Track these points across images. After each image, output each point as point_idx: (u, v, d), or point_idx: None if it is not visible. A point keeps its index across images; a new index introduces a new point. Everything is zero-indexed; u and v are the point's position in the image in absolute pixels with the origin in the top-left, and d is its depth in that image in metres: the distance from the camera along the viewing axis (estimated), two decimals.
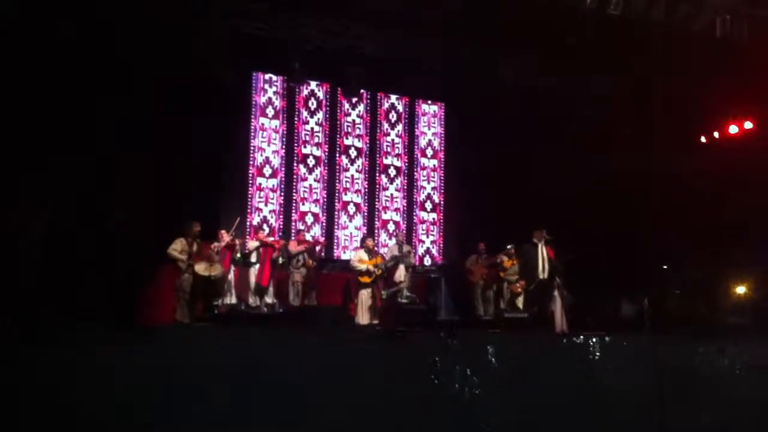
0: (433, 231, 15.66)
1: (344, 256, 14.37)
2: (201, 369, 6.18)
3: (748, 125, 14.35)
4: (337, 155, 15.05)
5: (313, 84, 14.91)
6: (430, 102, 16.03)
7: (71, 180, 11.14)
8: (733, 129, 14.56)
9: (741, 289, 12.94)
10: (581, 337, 6.12)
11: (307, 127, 14.86)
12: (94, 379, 5.82)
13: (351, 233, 14.87)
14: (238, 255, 12.14)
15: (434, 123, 16.03)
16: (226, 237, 11.93)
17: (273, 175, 14.42)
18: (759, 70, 12.50)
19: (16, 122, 10.66)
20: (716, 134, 14.91)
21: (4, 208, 10.51)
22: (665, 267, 12.27)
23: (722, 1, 12.01)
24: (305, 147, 14.78)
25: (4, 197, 10.52)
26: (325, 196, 14.82)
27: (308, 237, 13.55)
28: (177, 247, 11.07)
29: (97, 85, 11.38)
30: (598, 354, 6.05)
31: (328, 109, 15.07)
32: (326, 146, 14.97)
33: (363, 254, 12.31)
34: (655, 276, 12.53)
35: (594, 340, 6.07)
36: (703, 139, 15.08)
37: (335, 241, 14.78)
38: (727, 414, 6.01)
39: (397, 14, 12.74)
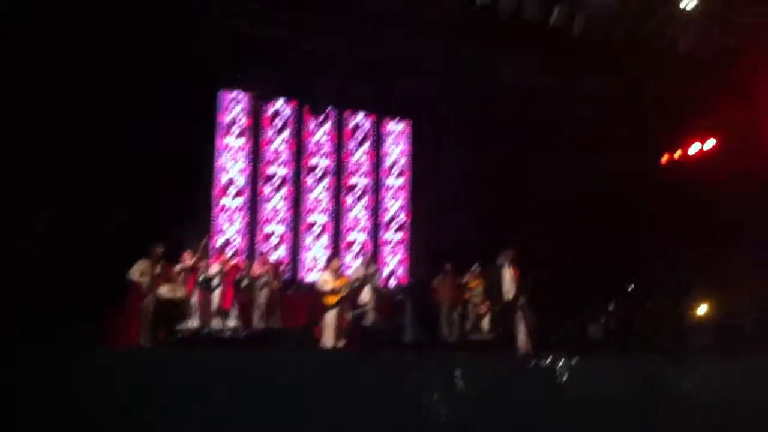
0: (399, 251, 15.58)
1: (309, 277, 14.22)
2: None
3: (709, 144, 14.52)
4: (303, 175, 14.91)
5: (279, 101, 14.78)
6: (397, 120, 15.96)
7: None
8: (694, 147, 14.73)
9: (704, 309, 13.04)
10: (549, 358, 6.07)
11: (273, 146, 14.73)
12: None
13: (316, 254, 14.73)
14: (201, 277, 11.94)
15: (401, 142, 15.98)
16: (188, 259, 11.71)
17: (238, 195, 14.25)
18: (721, 88, 12.68)
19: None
20: (678, 153, 15.10)
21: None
22: (632, 287, 12.33)
23: (685, 20, 12.19)
24: (271, 166, 14.64)
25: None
26: (290, 216, 14.67)
27: (272, 258, 13.38)
28: (140, 269, 10.86)
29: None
30: (566, 375, 5.99)
31: (294, 127, 14.95)
32: (292, 166, 14.84)
33: (328, 275, 12.17)
34: (623, 295, 12.59)
35: (562, 361, 6.01)
36: (665, 158, 15.25)
37: (300, 261, 14.62)
38: None
39: (368, 31, 12.75)
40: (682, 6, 11.97)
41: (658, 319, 12.12)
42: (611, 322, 12.01)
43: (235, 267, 12.26)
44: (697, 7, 11.92)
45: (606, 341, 11.47)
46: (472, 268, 13.13)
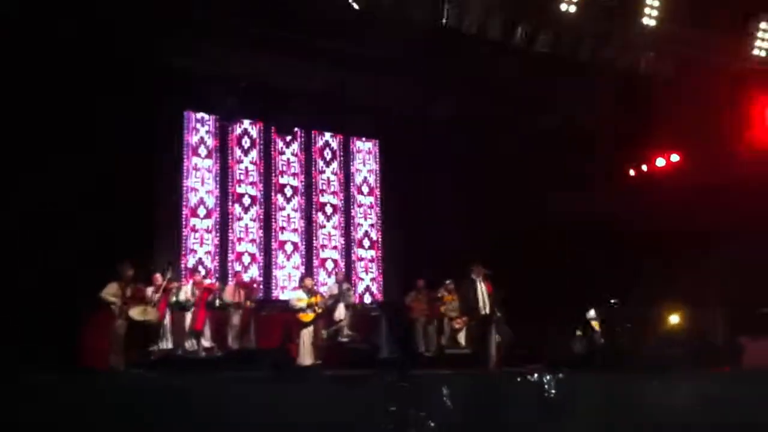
0: (371, 268, 15.60)
1: (282, 296, 14.15)
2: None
3: (674, 158, 14.83)
4: (273, 194, 14.86)
5: (246, 122, 14.75)
6: (364, 139, 16.03)
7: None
8: (660, 162, 15.03)
9: (676, 320, 13.28)
10: (536, 375, 6.14)
11: (242, 166, 14.66)
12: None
13: (289, 273, 14.67)
14: (174, 299, 11.84)
15: (369, 160, 16.05)
16: (160, 281, 11.63)
17: (207, 216, 14.15)
18: (683, 105, 12.94)
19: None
20: (644, 167, 15.38)
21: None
22: (614, 302, 12.47)
23: (646, 39, 12.44)
24: (240, 186, 14.57)
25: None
26: (261, 235, 14.60)
27: (246, 278, 13.30)
28: (110, 291, 10.76)
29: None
30: (553, 392, 6.06)
31: (262, 147, 14.91)
32: (261, 185, 14.78)
33: (301, 293, 12.18)
34: (605, 311, 12.73)
35: (548, 377, 6.09)
36: (631, 173, 15.53)
37: (273, 280, 14.55)
38: None
39: (333, 51, 12.78)
40: (643, 23, 12.23)
41: (635, 332, 12.30)
42: (595, 336, 12.14)
43: (208, 288, 12.17)
44: (657, 25, 12.19)
45: (590, 356, 11.57)
46: (446, 283, 13.22)
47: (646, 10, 12.13)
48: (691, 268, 12.89)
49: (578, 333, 12.54)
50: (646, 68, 12.83)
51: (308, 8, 11.38)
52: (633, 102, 13.43)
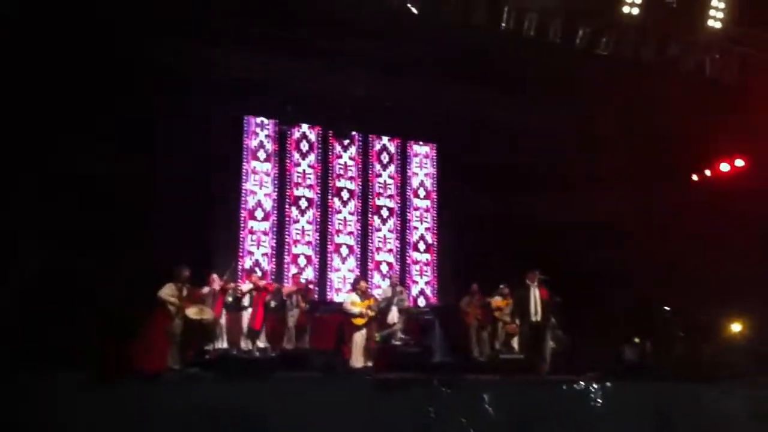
0: (426, 272, 15.55)
1: (337, 299, 14.21)
2: None
3: (739, 163, 14.41)
4: (330, 197, 14.97)
5: (304, 126, 14.88)
6: (421, 143, 16.01)
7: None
8: (724, 167, 14.62)
9: (737, 329, 12.90)
10: (582, 383, 5.99)
11: (299, 169, 14.81)
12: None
13: (344, 275, 14.74)
14: (230, 299, 11.98)
15: (426, 163, 16.00)
16: (217, 281, 11.78)
17: (265, 218, 14.32)
18: (749, 108, 12.55)
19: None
20: (708, 172, 14.99)
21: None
22: (668, 309, 12.15)
23: (711, 40, 12.11)
24: (297, 189, 14.70)
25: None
26: (317, 238, 14.71)
27: (302, 279, 13.40)
28: (167, 292, 10.92)
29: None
30: (600, 401, 5.91)
31: (319, 151, 15.03)
32: (318, 188, 14.89)
33: (355, 297, 12.18)
34: (659, 319, 12.43)
35: (596, 386, 5.94)
36: (694, 178, 15.15)
37: (328, 283, 14.64)
38: None
39: (388, 55, 12.79)
40: (708, 25, 11.91)
41: (692, 340, 11.99)
42: (647, 345, 11.86)
43: (265, 288, 12.29)
44: (722, 26, 11.85)
45: (642, 364, 11.29)
46: (500, 288, 13.09)
47: (711, 12, 11.80)
48: (754, 275, 12.49)
49: (636, 340, 12.25)
50: (710, 70, 12.49)
51: (364, 15, 11.40)
52: (697, 105, 13.06)
